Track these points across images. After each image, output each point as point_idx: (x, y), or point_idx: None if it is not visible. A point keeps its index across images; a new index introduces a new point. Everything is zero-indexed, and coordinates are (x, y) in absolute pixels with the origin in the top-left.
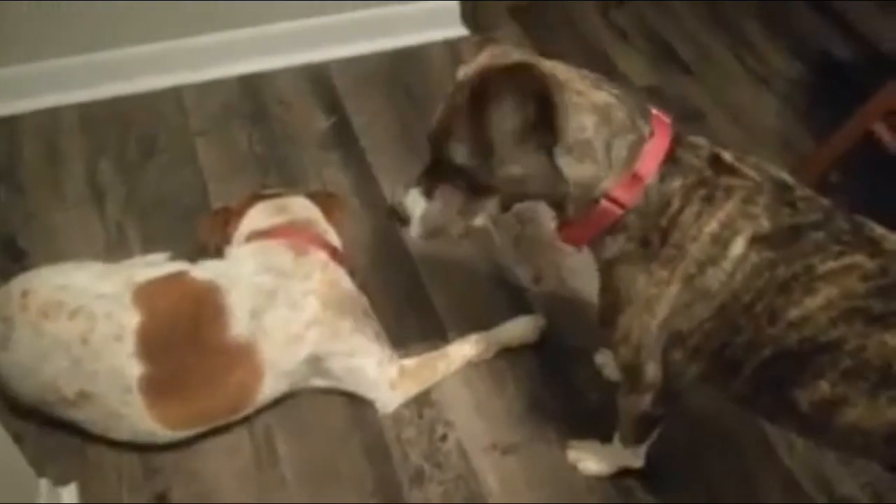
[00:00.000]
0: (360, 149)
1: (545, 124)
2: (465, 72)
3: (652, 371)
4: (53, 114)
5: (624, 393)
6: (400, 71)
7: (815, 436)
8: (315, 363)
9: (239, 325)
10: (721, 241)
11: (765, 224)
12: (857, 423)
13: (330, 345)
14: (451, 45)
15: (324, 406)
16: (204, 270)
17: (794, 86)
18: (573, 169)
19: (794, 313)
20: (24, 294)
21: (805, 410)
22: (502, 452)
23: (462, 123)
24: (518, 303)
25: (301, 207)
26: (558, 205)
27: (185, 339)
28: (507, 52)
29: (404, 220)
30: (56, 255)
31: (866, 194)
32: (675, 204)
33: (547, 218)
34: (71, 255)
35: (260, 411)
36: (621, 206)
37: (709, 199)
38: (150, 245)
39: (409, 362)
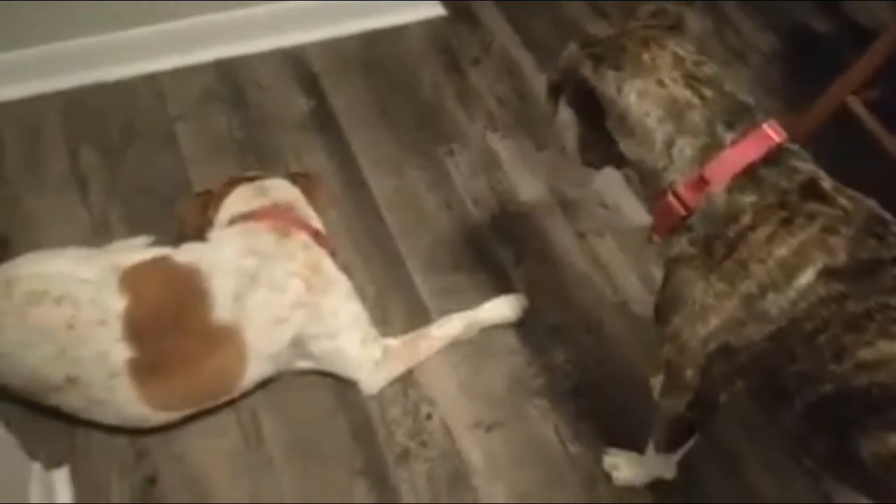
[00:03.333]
0: (339, 131)
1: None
2: (620, 28)
3: (690, 374)
4: (34, 102)
5: (662, 393)
6: (378, 52)
7: (877, 493)
8: (299, 345)
9: (222, 309)
10: (789, 268)
11: (841, 256)
12: None
13: (314, 327)
14: (429, 25)
15: (309, 387)
16: (187, 254)
17: (768, 59)
18: (630, 148)
19: (865, 354)
20: (9, 283)
21: (866, 461)
22: (486, 430)
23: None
24: (500, 282)
25: (282, 189)
26: (643, 183)
27: (169, 323)
28: (644, 26)
29: (556, 101)
30: (39, 243)
31: (841, 169)
32: (746, 220)
33: (526, 196)
34: (54, 243)
35: (246, 394)
36: (685, 206)
37: (786, 223)
38: (133, 230)
39: (393, 343)
